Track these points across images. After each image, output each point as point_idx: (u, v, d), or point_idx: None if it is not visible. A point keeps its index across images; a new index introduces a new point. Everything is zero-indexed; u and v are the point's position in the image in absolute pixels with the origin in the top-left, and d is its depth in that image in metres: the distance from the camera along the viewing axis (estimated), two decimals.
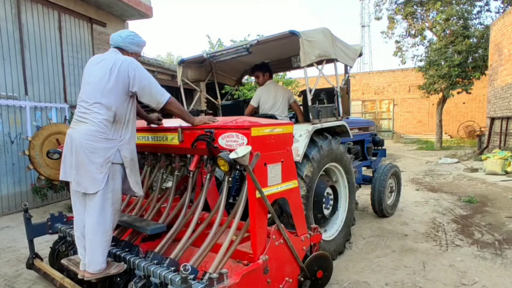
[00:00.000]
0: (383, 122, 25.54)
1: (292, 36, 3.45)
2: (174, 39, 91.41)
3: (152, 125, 3.05)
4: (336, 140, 3.58)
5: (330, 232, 3.66)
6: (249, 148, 2.19)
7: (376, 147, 5.71)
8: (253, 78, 7.45)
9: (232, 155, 2.15)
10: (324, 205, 3.47)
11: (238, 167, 2.35)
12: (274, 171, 2.47)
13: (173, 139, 2.81)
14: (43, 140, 3.49)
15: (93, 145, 2.36)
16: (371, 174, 5.31)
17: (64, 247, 3.14)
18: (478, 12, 15.39)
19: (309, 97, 3.55)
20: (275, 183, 2.48)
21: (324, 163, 3.44)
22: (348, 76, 4.44)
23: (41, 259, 3.31)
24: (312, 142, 3.28)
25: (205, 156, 2.72)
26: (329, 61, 3.89)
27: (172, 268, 2.21)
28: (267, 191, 2.37)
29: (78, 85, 6.99)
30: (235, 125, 2.43)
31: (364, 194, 6.29)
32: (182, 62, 4.56)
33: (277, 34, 3.61)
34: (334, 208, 3.69)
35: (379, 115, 25.57)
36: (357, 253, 3.85)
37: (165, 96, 2.52)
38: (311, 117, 3.51)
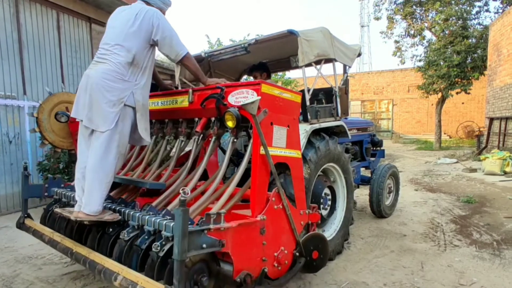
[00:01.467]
0: (382, 122, 25.58)
1: (291, 36, 3.44)
2: None
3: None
4: (334, 140, 3.57)
5: (329, 232, 3.65)
6: (258, 97, 2.24)
7: (374, 148, 5.70)
8: (252, 78, 7.43)
9: (241, 102, 2.20)
10: (321, 206, 3.46)
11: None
12: (280, 133, 2.49)
13: (183, 102, 2.86)
14: (53, 106, 3.52)
15: (109, 84, 2.44)
16: (369, 175, 5.31)
17: (58, 214, 3.13)
18: (477, 12, 15.45)
19: (308, 97, 3.54)
20: (280, 145, 2.50)
21: (322, 164, 3.43)
22: (347, 76, 4.43)
23: (32, 219, 3.29)
24: (309, 143, 3.27)
25: (213, 119, 2.74)
26: (328, 61, 3.88)
27: (168, 217, 2.20)
28: (271, 151, 2.38)
29: (77, 85, 6.97)
30: (246, 82, 2.54)
31: (363, 194, 6.29)
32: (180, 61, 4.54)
33: (276, 33, 3.60)
34: (332, 208, 3.67)
35: (378, 115, 25.61)
36: (356, 253, 3.85)
37: (184, 50, 2.65)
38: (309, 117, 3.50)
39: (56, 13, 6.62)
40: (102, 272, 2.24)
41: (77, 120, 2.65)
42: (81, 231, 2.74)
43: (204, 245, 1.90)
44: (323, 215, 3.53)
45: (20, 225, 3.26)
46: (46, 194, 3.35)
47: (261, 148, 2.31)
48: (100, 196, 2.44)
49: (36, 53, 6.26)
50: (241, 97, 2.44)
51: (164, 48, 2.62)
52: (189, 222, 1.86)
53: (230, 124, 2.37)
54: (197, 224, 1.97)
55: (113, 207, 2.58)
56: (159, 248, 2.04)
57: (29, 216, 3.30)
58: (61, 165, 5.54)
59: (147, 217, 2.24)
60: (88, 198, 2.42)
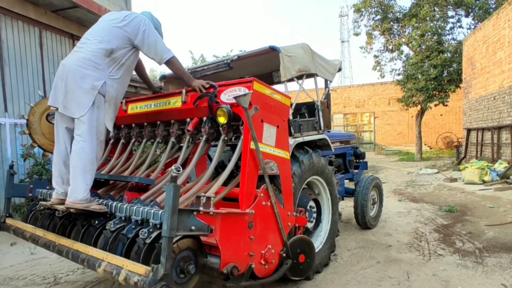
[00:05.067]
0: (364, 134, 26.03)
1: (272, 52, 3.52)
2: None
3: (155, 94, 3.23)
4: (317, 153, 3.62)
5: (315, 244, 3.65)
6: (250, 91, 2.31)
7: (357, 160, 5.79)
8: None
9: (234, 95, 2.27)
10: (307, 219, 3.47)
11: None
12: (270, 131, 2.56)
13: (176, 102, 2.90)
14: (45, 110, 3.50)
15: (82, 71, 2.50)
16: (353, 187, 5.37)
17: (42, 206, 3.02)
18: (451, 28, 16.13)
19: (290, 111, 3.60)
20: (269, 143, 2.56)
21: (306, 177, 3.46)
22: (328, 90, 4.53)
23: (13, 219, 3.20)
24: (293, 157, 3.29)
25: (205, 118, 2.76)
26: (309, 75, 3.97)
27: (156, 207, 2.18)
28: (261, 147, 2.42)
29: None
30: (239, 80, 2.58)
31: (347, 206, 6.34)
32: (163, 78, 4.57)
33: (258, 49, 3.68)
34: (318, 221, 3.70)
35: (361, 128, 26.06)
36: (343, 265, 3.86)
37: (169, 54, 2.74)
38: (292, 131, 3.55)
39: (39, 30, 6.58)
40: (85, 261, 2.18)
41: (52, 108, 2.70)
42: (64, 227, 2.69)
43: (193, 227, 1.88)
44: (309, 228, 3.54)
45: (1, 225, 3.15)
46: (30, 194, 3.29)
47: (251, 143, 2.34)
48: (84, 183, 2.47)
49: (18, 70, 6.17)
50: (233, 94, 2.50)
51: (150, 53, 2.72)
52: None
53: (222, 120, 2.41)
54: None
55: (100, 201, 2.56)
56: (146, 235, 2.02)
57: (10, 216, 3.21)
58: None
59: (135, 207, 2.23)
60: (73, 187, 2.46)
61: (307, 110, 4.31)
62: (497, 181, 8.50)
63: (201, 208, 1.97)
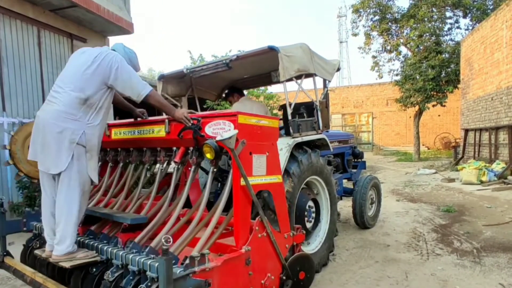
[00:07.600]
0: (363, 134, 26.09)
1: (271, 52, 3.52)
2: (155, 55, 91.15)
3: (139, 119, 3.10)
4: (316, 153, 3.63)
5: (314, 244, 3.66)
6: (235, 131, 2.24)
7: (356, 160, 5.81)
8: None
9: (218, 138, 2.19)
10: (306, 219, 3.48)
11: (223, 159, 2.33)
12: (259, 161, 2.50)
13: (160, 131, 2.82)
14: (26, 136, 3.37)
15: (59, 125, 2.39)
16: (352, 187, 5.38)
17: (38, 244, 3.01)
18: (449, 29, 16.20)
19: (289, 111, 3.60)
20: (260, 174, 2.50)
21: (305, 177, 3.47)
22: (327, 90, 4.54)
23: (12, 257, 3.16)
24: (292, 157, 3.30)
25: (191, 148, 2.72)
26: (308, 75, 3.97)
27: (152, 256, 2.16)
28: (251, 180, 2.38)
29: None
30: (222, 113, 2.50)
31: (346, 206, 6.36)
32: (162, 77, 4.56)
33: (257, 49, 3.67)
34: (316, 221, 3.70)
35: (359, 128, 26.12)
36: (341, 264, 3.87)
37: (147, 89, 2.59)
38: (291, 131, 3.56)
39: (37, 29, 6.56)
40: None
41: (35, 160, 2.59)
42: (63, 270, 2.64)
43: None
44: (307, 227, 3.55)
45: (0, 264, 3.11)
46: (25, 228, 3.24)
47: (242, 179, 2.31)
48: (69, 235, 2.41)
49: (16, 69, 6.15)
50: (218, 128, 2.44)
51: (126, 90, 2.58)
52: (173, 261, 1.84)
53: (209, 156, 2.35)
54: (182, 264, 1.95)
55: (95, 244, 2.53)
56: None
57: (8, 254, 3.16)
58: None
59: (131, 256, 2.20)
60: (58, 239, 2.42)
61: (305, 110, 4.31)
62: (495, 182, 8.53)
63: (196, 269, 1.94)
